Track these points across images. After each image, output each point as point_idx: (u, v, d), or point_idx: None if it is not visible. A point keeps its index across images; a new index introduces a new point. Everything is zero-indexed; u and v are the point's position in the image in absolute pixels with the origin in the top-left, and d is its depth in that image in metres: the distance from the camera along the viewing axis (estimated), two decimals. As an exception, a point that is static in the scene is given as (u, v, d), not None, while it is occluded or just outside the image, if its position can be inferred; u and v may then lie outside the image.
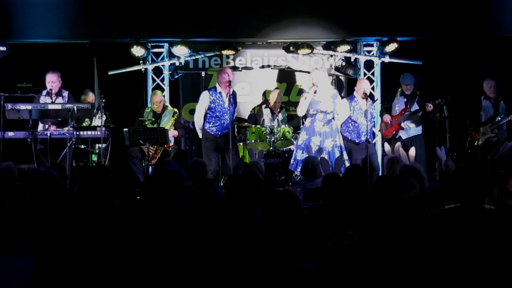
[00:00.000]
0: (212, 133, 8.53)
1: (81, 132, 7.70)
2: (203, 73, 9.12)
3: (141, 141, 8.20)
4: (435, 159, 6.47)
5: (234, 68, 9.91)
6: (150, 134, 8.18)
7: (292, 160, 8.33)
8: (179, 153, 7.83)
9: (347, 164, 8.00)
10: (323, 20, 9.47)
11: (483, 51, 9.62)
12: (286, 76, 10.18)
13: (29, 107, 7.50)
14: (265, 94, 9.79)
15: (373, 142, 9.23)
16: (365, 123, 8.44)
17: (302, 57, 10.05)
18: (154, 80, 9.93)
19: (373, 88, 9.90)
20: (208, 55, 9.95)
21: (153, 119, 8.91)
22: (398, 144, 7.58)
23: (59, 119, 7.91)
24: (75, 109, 7.55)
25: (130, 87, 9.75)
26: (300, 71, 10.15)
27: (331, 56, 10.08)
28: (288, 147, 8.98)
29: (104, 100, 8.09)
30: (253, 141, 8.93)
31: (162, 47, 9.90)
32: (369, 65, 10.09)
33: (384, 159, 7.45)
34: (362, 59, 10.02)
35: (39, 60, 9.21)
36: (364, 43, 9.98)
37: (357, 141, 8.57)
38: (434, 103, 8.57)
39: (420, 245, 3.59)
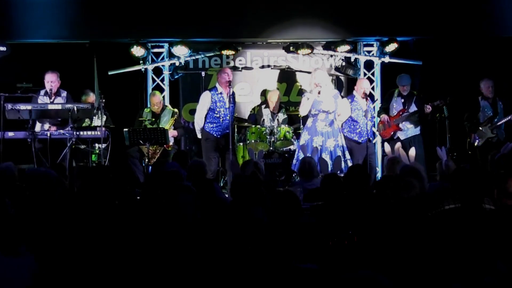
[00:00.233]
0: (213, 133, 8.54)
1: (81, 132, 7.71)
2: (203, 73, 9.11)
3: (141, 141, 8.21)
4: (435, 159, 6.47)
5: (234, 68, 9.91)
6: (150, 134, 8.18)
7: (294, 160, 8.33)
8: (179, 153, 7.83)
9: (350, 164, 8.01)
10: (323, 20, 9.47)
11: (483, 51, 9.62)
12: (286, 76, 10.18)
13: (29, 107, 7.51)
14: (265, 94, 9.79)
15: (374, 141, 9.23)
16: (365, 122, 8.46)
17: (302, 57, 10.05)
18: (154, 80, 9.93)
19: (373, 88, 9.91)
20: (208, 55, 9.94)
21: (153, 119, 8.92)
22: (398, 144, 7.59)
23: (59, 120, 7.91)
24: (75, 109, 7.55)
25: (130, 87, 9.75)
26: (300, 71, 10.15)
27: (331, 56, 10.08)
28: (288, 147, 8.98)
29: (104, 100, 8.10)
30: (253, 141, 8.93)
31: (162, 47, 9.90)
32: (369, 65, 10.09)
33: (384, 159, 7.45)
34: (362, 59, 10.03)
35: (39, 60, 9.21)
36: (364, 43, 9.98)
37: (358, 140, 8.61)
38: (433, 105, 8.57)
39: (420, 245, 3.59)
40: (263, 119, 9.21)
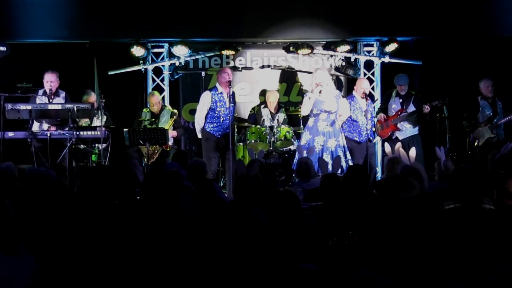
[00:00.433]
0: (213, 133, 8.53)
1: (81, 132, 7.70)
2: (203, 73, 9.10)
3: (141, 141, 8.20)
4: (434, 159, 6.47)
5: (234, 68, 9.90)
6: (150, 134, 8.18)
7: (295, 160, 8.33)
8: (178, 153, 7.82)
9: (351, 163, 8.02)
10: (323, 20, 9.47)
11: (482, 51, 9.62)
12: (286, 76, 10.18)
13: (29, 107, 7.50)
14: (264, 94, 9.79)
15: (374, 141, 9.23)
16: (365, 122, 8.47)
17: (302, 57, 10.05)
18: (154, 80, 9.93)
19: (373, 88, 9.91)
20: (208, 55, 9.94)
21: (152, 119, 8.92)
22: (399, 144, 7.60)
23: (58, 120, 7.91)
24: (75, 109, 7.55)
25: (130, 87, 9.74)
26: (300, 71, 10.15)
27: (331, 56, 10.08)
28: (288, 147, 8.98)
29: (104, 100, 8.09)
30: (253, 141, 8.93)
31: (162, 47, 9.90)
32: (369, 65, 10.09)
33: (384, 159, 7.45)
34: (362, 59, 10.03)
35: (39, 60, 9.20)
36: (364, 43, 9.98)
37: (358, 140, 8.62)
38: (431, 105, 8.56)
39: (420, 245, 3.59)
40: (263, 119, 9.21)
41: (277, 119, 9.14)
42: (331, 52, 9.97)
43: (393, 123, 8.84)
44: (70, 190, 5.68)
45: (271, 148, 8.79)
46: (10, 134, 7.54)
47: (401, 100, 8.90)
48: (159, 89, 9.72)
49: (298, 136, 9.08)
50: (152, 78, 9.92)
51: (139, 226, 4.03)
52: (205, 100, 8.60)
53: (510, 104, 8.67)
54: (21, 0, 9.16)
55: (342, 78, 10.19)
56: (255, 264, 3.40)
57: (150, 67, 9.86)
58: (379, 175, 9.28)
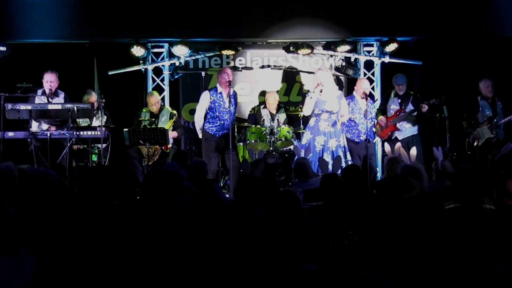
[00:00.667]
0: (212, 133, 8.53)
1: (81, 132, 7.70)
2: (203, 73, 9.10)
3: (141, 141, 8.20)
4: (434, 159, 6.48)
5: (234, 68, 9.91)
6: (150, 134, 8.17)
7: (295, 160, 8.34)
8: (178, 154, 7.82)
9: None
10: (323, 20, 9.47)
11: (482, 51, 9.62)
12: (286, 76, 10.18)
13: (29, 107, 7.50)
14: (264, 94, 9.79)
15: (374, 141, 9.23)
16: (364, 123, 8.46)
17: (302, 57, 10.05)
18: (154, 80, 9.93)
19: (373, 88, 9.91)
20: (208, 55, 9.94)
21: (152, 119, 8.92)
22: (399, 144, 7.60)
23: (58, 120, 7.90)
24: (75, 109, 7.55)
25: (130, 87, 9.74)
26: (301, 71, 10.16)
27: (331, 56, 10.08)
28: (288, 147, 8.98)
29: (104, 100, 8.09)
30: (253, 141, 8.93)
31: (162, 47, 9.90)
32: (369, 65, 10.09)
33: (384, 159, 7.45)
34: (362, 59, 10.03)
35: (39, 60, 9.20)
36: (364, 43, 9.98)
37: (356, 140, 8.63)
38: (429, 103, 8.56)
39: (420, 245, 3.59)
40: (263, 119, 9.22)
41: (277, 120, 9.14)
42: (331, 52, 9.97)
43: (392, 123, 8.84)
44: (70, 190, 5.69)
45: (271, 148, 8.79)
46: (10, 134, 7.54)
47: (399, 100, 8.90)
48: (159, 89, 9.72)
49: (298, 136, 9.08)
50: (152, 78, 9.92)
51: (139, 226, 4.03)
52: (204, 100, 8.60)
53: (510, 104, 8.67)
54: (21, 0, 9.15)
55: (342, 78, 10.19)
56: (255, 264, 3.40)
57: (150, 67, 9.86)
58: (379, 175, 9.28)
